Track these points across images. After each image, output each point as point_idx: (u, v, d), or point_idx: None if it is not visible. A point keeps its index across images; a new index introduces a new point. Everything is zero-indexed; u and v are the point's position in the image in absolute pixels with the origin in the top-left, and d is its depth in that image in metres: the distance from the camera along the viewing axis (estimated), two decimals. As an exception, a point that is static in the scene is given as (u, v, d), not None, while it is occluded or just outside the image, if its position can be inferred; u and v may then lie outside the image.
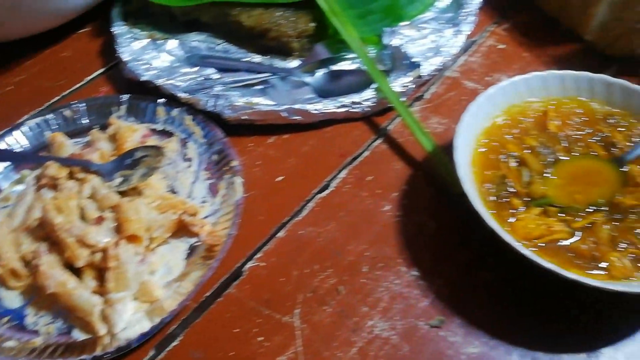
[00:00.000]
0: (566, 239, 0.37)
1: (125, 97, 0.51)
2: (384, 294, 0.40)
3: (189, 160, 0.48)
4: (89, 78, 0.57)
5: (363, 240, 0.43)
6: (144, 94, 0.52)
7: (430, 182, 0.46)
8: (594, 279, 0.34)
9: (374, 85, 0.50)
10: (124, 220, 0.40)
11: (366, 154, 0.49)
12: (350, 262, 0.41)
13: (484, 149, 0.42)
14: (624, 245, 0.37)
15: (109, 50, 0.57)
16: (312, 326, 0.38)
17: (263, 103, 0.49)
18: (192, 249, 0.42)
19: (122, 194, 0.43)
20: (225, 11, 0.56)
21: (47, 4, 0.54)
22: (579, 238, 0.37)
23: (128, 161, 0.45)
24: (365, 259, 0.42)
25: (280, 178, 0.47)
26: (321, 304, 0.39)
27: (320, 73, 0.54)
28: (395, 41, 0.55)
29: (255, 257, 0.42)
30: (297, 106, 0.48)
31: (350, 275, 0.41)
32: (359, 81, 0.52)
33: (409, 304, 0.39)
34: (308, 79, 0.53)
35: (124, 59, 0.53)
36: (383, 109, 0.51)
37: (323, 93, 0.52)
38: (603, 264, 0.36)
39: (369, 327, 0.38)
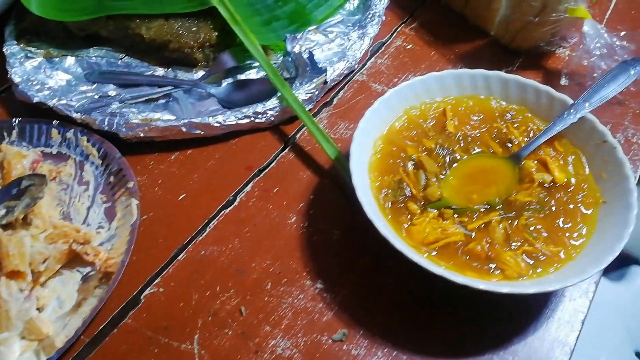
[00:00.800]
0: (462, 241, 0.37)
1: (15, 120, 0.48)
2: (288, 310, 0.39)
3: (86, 183, 0.46)
4: (-22, 102, 0.53)
5: (268, 255, 0.41)
6: (39, 116, 0.49)
7: (336, 190, 0.45)
8: (486, 281, 0.34)
9: (278, 94, 0.49)
10: (3, 255, 0.38)
11: (273, 164, 0.47)
12: (254, 280, 0.40)
13: (382, 154, 0.42)
14: (518, 244, 0.37)
15: (2, 72, 0.54)
16: (211, 352, 0.37)
17: (162, 119, 0.47)
18: (85, 279, 0.40)
19: (7, 226, 0.41)
20: (124, 24, 0.54)
21: None
22: (474, 239, 0.37)
23: (14, 191, 0.42)
24: (270, 276, 0.40)
25: (182, 196, 0.45)
26: (222, 327, 0.38)
27: (225, 83, 0.52)
28: (301, 47, 0.53)
29: (154, 282, 0.40)
30: (197, 120, 0.47)
31: (253, 294, 0.39)
32: (265, 90, 0.50)
33: (312, 319, 0.38)
34: (213, 89, 0.51)
35: (15, 81, 0.50)
36: (290, 117, 0.50)
37: (228, 104, 0.50)
38: (498, 264, 0.36)
39: (271, 347, 0.37)
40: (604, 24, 0.55)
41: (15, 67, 0.52)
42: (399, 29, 0.58)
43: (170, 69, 0.54)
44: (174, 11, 0.53)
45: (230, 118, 0.47)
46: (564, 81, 0.50)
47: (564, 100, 0.42)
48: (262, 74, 0.53)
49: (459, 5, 0.58)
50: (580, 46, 0.50)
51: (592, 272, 0.33)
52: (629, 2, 0.60)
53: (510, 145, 0.42)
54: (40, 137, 0.48)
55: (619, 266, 0.76)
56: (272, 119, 0.49)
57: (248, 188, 0.46)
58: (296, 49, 0.52)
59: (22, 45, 0.55)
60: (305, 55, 0.51)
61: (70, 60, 0.55)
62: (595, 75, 0.49)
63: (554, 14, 0.49)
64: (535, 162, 0.41)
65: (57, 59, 0.54)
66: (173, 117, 0.48)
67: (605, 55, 0.49)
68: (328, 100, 0.52)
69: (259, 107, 0.48)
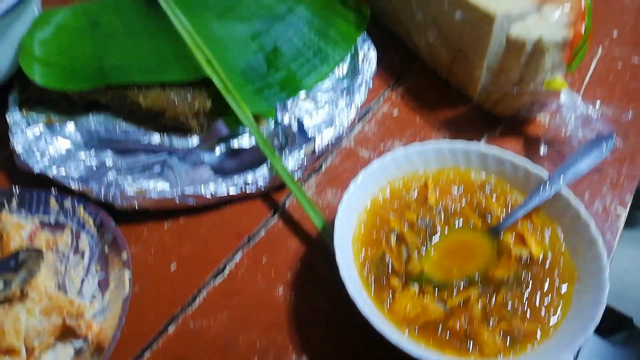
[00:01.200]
0: (441, 318, 0.38)
1: (16, 189, 0.50)
2: (273, 385, 0.40)
3: (82, 252, 0.47)
4: (-18, 169, 0.55)
5: (255, 329, 0.43)
6: (38, 184, 0.51)
7: (323, 259, 0.46)
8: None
9: (269, 162, 0.51)
10: (-1, 332, 0.39)
11: (262, 233, 0.49)
12: (240, 354, 0.41)
13: (366, 227, 0.43)
14: (496, 321, 0.38)
15: (4, 139, 0.56)
16: None
17: (156, 190, 0.49)
18: (78, 352, 0.41)
19: (3, 299, 0.42)
20: (122, 93, 0.56)
21: None
22: (453, 316, 0.38)
23: (12, 264, 0.44)
24: (256, 351, 0.41)
25: (174, 266, 0.47)
26: (209, 402, 0.39)
27: (218, 151, 0.55)
28: (291, 115, 0.56)
29: (144, 357, 0.41)
30: (189, 191, 0.49)
31: (239, 369, 0.40)
32: (256, 158, 0.52)
33: (297, 395, 0.39)
34: (206, 157, 0.54)
35: (18, 151, 0.53)
36: (280, 184, 0.52)
37: (221, 171, 0.52)
38: (476, 343, 0.37)
39: None
40: (582, 91, 0.57)
41: (17, 135, 0.54)
42: (386, 94, 0.60)
43: (165, 135, 0.57)
44: (170, 81, 0.56)
45: (221, 188, 0.49)
46: (543, 150, 0.52)
47: (540, 175, 0.44)
48: (254, 141, 0.55)
49: (443, 72, 0.61)
50: (558, 114, 0.52)
51: (566, 354, 0.34)
52: (606, 68, 0.62)
53: (489, 218, 0.44)
54: (39, 205, 0.50)
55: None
56: (262, 188, 0.51)
57: (237, 257, 0.47)
58: (286, 119, 0.54)
59: (24, 111, 0.57)
60: (295, 126, 0.54)
61: (70, 127, 0.57)
62: (573, 144, 0.51)
63: (532, 86, 0.52)
64: (514, 235, 0.42)
65: (57, 125, 0.57)
66: (167, 187, 0.50)
67: (582, 124, 0.51)
68: (317, 167, 0.54)
69: (250, 177, 0.50)
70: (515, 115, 0.56)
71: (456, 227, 0.44)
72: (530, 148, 0.54)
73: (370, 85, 0.59)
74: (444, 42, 0.58)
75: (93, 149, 0.55)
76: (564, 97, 0.51)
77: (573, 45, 0.50)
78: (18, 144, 0.53)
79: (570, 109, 0.51)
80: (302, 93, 0.59)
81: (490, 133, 0.56)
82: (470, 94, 0.58)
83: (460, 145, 0.47)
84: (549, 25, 0.50)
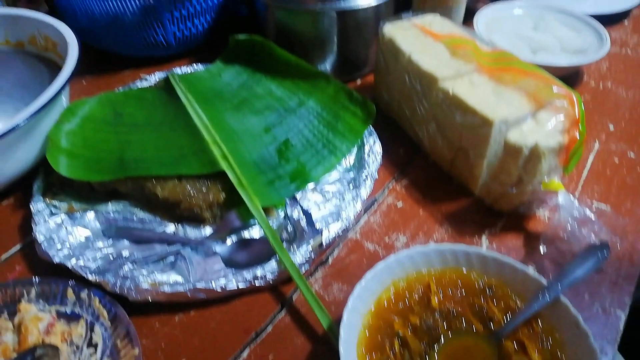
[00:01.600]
0: None
1: (36, 279, 0.53)
2: None
3: (95, 345, 0.49)
4: (6, 255, 0.58)
5: None
6: (57, 273, 0.53)
7: (329, 357, 0.48)
8: None
9: (277, 257, 0.53)
10: None
11: (269, 328, 0.50)
12: None
13: (370, 330, 0.45)
14: None
15: (27, 225, 0.59)
16: None
17: (168, 282, 0.51)
18: None
19: (18, 397, 0.43)
20: (141, 184, 0.60)
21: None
22: None
23: (29, 359, 0.46)
24: None
25: (183, 362, 0.48)
26: None
27: (229, 242, 0.57)
28: (299, 208, 0.58)
29: None
30: (201, 285, 0.51)
31: None
32: (265, 250, 0.55)
33: None
34: (218, 248, 0.56)
35: (39, 240, 0.55)
36: (288, 277, 0.54)
37: (231, 264, 0.55)
38: None
39: None
40: (578, 190, 0.59)
41: (40, 225, 0.57)
42: (390, 185, 0.63)
43: (180, 225, 0.59)
44: (187, 173, 0.59)
45: (231, 283, 0.51)
46: (543, 249, 0.54)
47: (538, 281, 0.45)
48: (264, 232, 0.58)
49: (446, 165, 0.64)
50: (556, 214, 0.54)
51: None
52: (603, 162, 0.65)
53: (490, 323, 0.45)
54: (57, 295, 0.52)
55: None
56: (271, 282, 0.52)
57: (245, 354, 0.48)
58: (295, 213, 0.57)
59: (47, 199, 0.61)
60: (303, 220, 0.56)
61: (90, 215, 0.60)
62: (572, 242, 0.52)
63: (530, 187, 0.54)
64: (515, 343, 0.43)
65: (78, 214, 0.60)
66: (180, 279, 0.52)
67: (580, 225, 0.53)
68: (323, 259, 0.56)
69: (259, 271, 0.52)
70: (515, 210, 0.58)
71: (458, 331, 0.45)
72: (530, 245, 0.56)
73: (376, 176, 0.62)
74: (445, 139, 0.61)
75: (110, 239, 0.57)
76: (561, 198, 0.53)
77: (568, 149, 0.53)
78: (40, 234, 0.56)
79: (567, 210, 0.53)
80: (311, 184, 0.62)
81: (491, 228, 0.58)
82: (472, 188, 0.61)
83: (462, 247, 0.49)
84: (545, 131, 0.53)
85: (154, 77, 0.78)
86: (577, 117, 0.54)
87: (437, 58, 0.63)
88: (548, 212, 0.59)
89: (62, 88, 0.59)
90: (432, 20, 0.71)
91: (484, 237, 0.57)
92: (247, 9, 0.88)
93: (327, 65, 0.79)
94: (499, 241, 0.56)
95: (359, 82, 0.81)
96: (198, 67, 0.79)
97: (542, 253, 0.54)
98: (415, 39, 0.66)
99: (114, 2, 0.74)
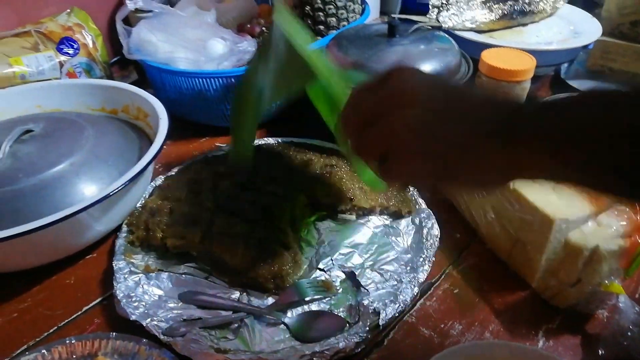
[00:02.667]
0: None
1: (112, 335, 0.57)
2: None
3: (160, 405, 0.52)
4: (86, 308, 0.63)
5: None
6: (130, 329, 0.58)
7: None
8: None
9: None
10: None
11: (324, 405, 0.52)
12: None
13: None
14: None
15: (107, 280, 0.65)
16: None
17: (232, 349, 0.55)
18: None
19: None
20: (211, 249, 0.65)
21: (67, 241, 0.63)
22: None
23: (102, 414, 0.49)
24: None
25: None
26: None
27: (297, 313, 0.60)
28: (368, 297, 0.60)
29: None
30: (263, 356, 0.54)
31: None
32: (335, 324, 0.57)
33: None
34: (286, 319, 0.59)
35: (119, 297, 0.60)
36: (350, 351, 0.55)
37: (299, 335, 0.57)
38: None
39: None
40: (638, 293, 0.59)
41: (121, 282, 0.62)
42: (447, 271, 0.65)
43: (244, 292, 0.63)
44: (294, 90, 0.63)
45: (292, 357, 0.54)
46: (601, 352, 0.54)
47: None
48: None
49: (503, 255, 0.65)
50: (616, 315, 0.54)
51: None
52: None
53: None
54: (130, 352, 0.57)
55: None
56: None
57: None
58: (365, 302, 0.59)
59: (127, 256, 0.66)
60: (367, 298, 0.59)
61: (163, 276, 0.65)
62: (630, 349, 0.52)
63: (589, 288, 0.55)
64: None
65: (153, 274, 0.65)
66: (242, 348, 0.56)
67: (638, 331, 0.52)
68: (379, 340, 0.58)
69: (317, 347, 0.55)
70: (572, 307, 0.58)
71: None
72: (588, 346, 0.55)
73: (433, 259, 0.64)
74: (503, 228, 0.63)
75: (180, 302, 0.62)
76: (622, 302, 0.54)
77: (630, 253, 0.54)
78: (119, 291, 0.61)
79: (627, 315, 0.53)
80: (369, 264, 0.65)
81: (548, 324, 0.58)
82: (529, 280, 0.61)
83: (521, 346, 0.49)
84: (606, 234, 0.54)
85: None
86: (639, 220, 0.55)
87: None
88: (607, 313, 0.59)
89: (152, 160, 0.66)
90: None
91: (540, 333, 0.57)
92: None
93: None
94: (555, 339, 0.56)
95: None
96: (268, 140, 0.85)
97: (600, 354, 0.54)
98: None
99: (200, 80, 0.82)
